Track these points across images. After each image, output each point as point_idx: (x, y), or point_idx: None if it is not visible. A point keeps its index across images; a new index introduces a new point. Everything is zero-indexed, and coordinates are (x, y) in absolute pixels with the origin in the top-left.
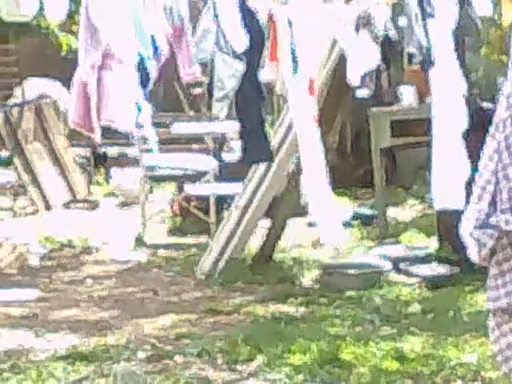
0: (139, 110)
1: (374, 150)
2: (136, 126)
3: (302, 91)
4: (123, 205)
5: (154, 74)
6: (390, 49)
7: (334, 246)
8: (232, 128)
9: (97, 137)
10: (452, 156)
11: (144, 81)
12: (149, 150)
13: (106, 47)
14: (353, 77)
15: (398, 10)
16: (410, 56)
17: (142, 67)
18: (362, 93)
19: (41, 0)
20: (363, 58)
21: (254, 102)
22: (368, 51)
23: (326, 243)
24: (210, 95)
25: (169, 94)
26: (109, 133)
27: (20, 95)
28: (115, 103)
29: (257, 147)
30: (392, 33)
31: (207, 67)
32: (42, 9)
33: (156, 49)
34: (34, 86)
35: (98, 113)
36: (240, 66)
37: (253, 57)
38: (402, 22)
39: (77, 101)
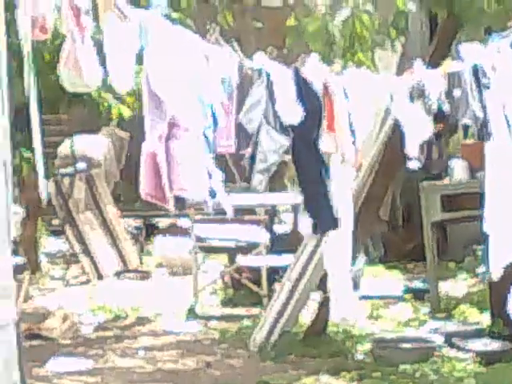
0: (210, 177)
1: (425, 223)
2: (209, 194)
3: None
4: (175, 274)
5: (215, 142)
6: (442, 120)
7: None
8: (283, 200)
9: (170, 206)
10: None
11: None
12: (223, 214)
13: (171, 117)
14: (410, 148)
15: (452, 81)
16: (466, 128)
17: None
18: (412, 165)
19: (105, 70)
20: (417, 130)
21: (316, 174)
22: (421, 123)
23: (339, 319)
24: (251, 167)
25: (219, 164)
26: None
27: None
28: (186, 172)
29: (321, 218)
30: (445, 105)
31: (252, 138)
32: (104, 79)
33: (215, 119)
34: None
35: (169, 183)
36: (285, 142)
37: (310, 128)
38: (456, 93)
39: (147, 172)
